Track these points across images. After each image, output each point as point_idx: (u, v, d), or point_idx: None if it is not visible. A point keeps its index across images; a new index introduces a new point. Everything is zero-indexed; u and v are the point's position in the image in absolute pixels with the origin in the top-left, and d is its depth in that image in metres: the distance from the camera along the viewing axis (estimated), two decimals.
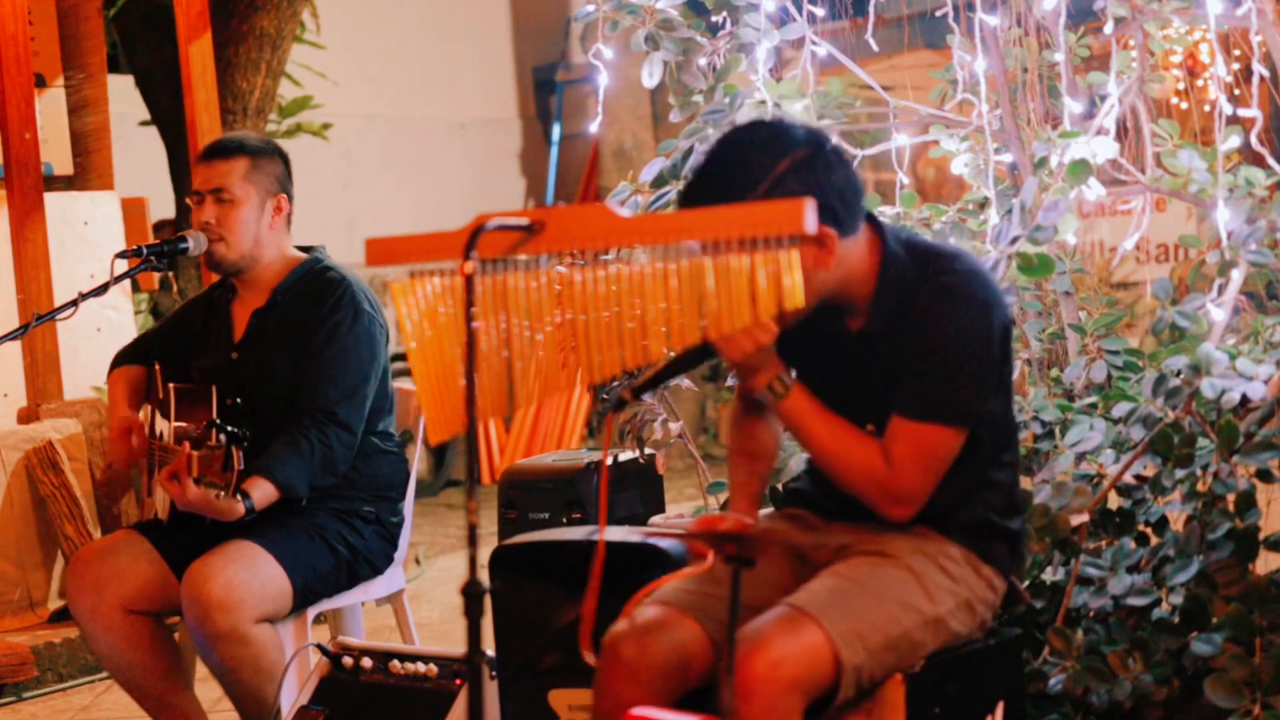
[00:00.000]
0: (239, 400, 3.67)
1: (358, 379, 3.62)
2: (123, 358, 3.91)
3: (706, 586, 2.63)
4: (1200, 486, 3.14)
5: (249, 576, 3.42)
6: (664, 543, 2.82)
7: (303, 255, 3.78)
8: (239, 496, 3.39)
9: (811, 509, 2.79)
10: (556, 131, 11.48)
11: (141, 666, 3.61)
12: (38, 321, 3.79)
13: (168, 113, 6.94)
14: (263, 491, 3.47)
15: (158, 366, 3.78)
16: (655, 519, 3.93)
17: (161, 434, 3.69)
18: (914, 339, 2.55)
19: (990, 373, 2.57)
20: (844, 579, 2.56)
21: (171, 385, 3.66)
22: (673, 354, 2.61)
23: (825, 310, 2.60)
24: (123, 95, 7.25)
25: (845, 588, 2.54)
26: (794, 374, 2.61)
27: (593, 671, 2.61)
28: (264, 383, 3.68)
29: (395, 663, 3.34)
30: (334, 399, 3.59)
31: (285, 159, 3.77)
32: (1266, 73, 3.57)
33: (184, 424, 3.63)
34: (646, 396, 3.75)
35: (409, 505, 3.88)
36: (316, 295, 3.69)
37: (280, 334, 3.70)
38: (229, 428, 3.31)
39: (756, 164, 2.47)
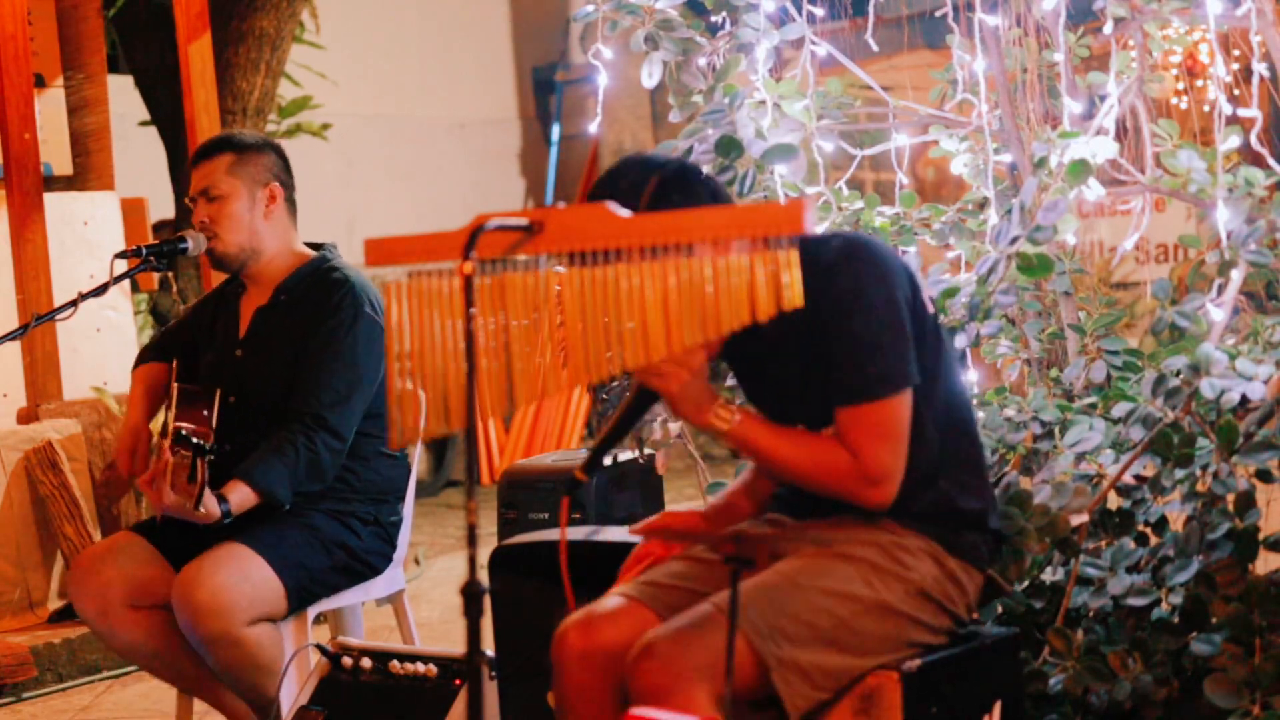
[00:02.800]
0: (237, 399, 3.66)
1: (352, 384, 3.60)
2: (146, 353, 3.91)
3: (662, 578, 2.67)
4: (1200, 486, 3.14)
5: (239, 580, 3.42)
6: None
7: (311, 253, 3.78)
8: (218, 499, 3.41)
9: (786, 511, 2.79)
10: (556, 131, 11.47)
11: (167, 652, 3.60)
12: (37, 322, 3.80)
13: (167, 113, 6.94)
14: (240, 496, 3.47)
15: (174, 363, 3.78)
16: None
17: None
18: (828, 322, 2.56)
19: (902, 333, 2.57)
20: (775, 574, 2.58)
21: (175, 385, 3.67)
22: (613, 415, 2.66)
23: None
24: (123, 95, 7.24)
25: (772, 581, 2.56)
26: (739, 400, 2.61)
27: None
28: (264, 381, 3.67)
29: (395, 663, 3.33)
30: (325, 404, 3.57)
31: (278, 150, 3.78)
32: (1266, 73, 3.56)
33: (182, 425, 3.63)
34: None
35: (409, 506, 3.87)
36: (318, 296, 3.68)
37: (281, 333, 3.69)
38: (194, 440, 3.31)
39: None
